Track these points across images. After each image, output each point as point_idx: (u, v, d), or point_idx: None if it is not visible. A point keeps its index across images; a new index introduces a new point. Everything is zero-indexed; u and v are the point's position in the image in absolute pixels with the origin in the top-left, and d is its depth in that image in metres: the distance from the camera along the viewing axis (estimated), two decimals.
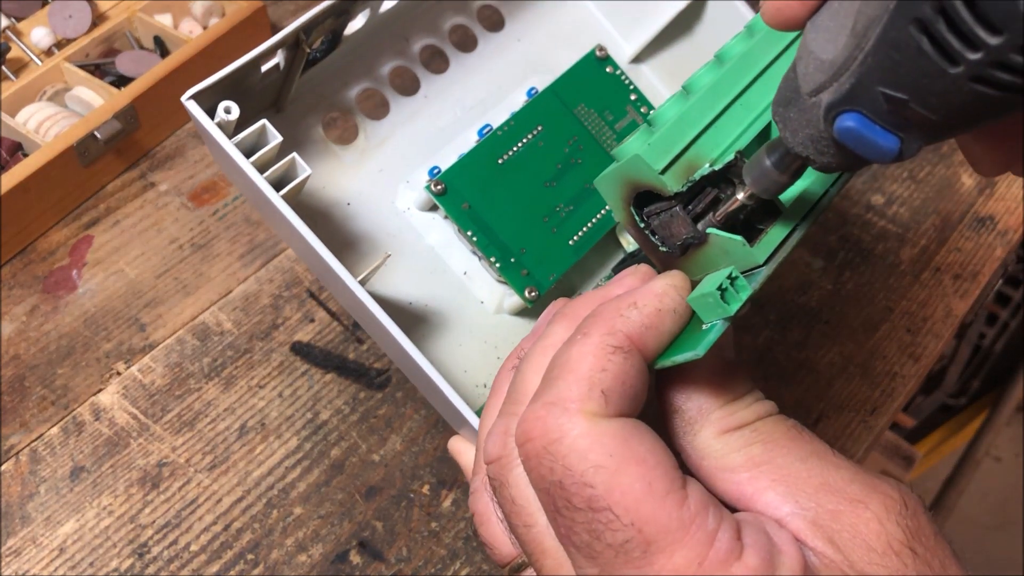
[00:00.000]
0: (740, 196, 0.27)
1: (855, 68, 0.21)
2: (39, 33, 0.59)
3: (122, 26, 0.62)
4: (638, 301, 0.26)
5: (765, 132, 0.29)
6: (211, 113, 0.34)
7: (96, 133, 0.55)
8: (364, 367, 0.51)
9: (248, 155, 0.34)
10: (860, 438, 0.52)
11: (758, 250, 0.28)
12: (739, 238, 0.27)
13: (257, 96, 0.38)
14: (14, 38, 0.59)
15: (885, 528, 0.24)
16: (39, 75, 0.58)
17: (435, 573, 0.46)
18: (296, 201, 0.38)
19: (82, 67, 0.59)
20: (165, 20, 0.62)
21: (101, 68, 0.60)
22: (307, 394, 0.50)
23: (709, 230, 0.28)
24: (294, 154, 0.35)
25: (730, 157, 0.28)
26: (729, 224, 0.28)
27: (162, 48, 0.62)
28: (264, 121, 0.35)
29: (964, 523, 1.29)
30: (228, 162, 0.34)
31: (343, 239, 0.40)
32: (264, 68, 0.36)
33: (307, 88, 0.41)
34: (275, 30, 0.66)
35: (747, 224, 0.29)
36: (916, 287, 0.58)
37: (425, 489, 0.48)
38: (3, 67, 0.58)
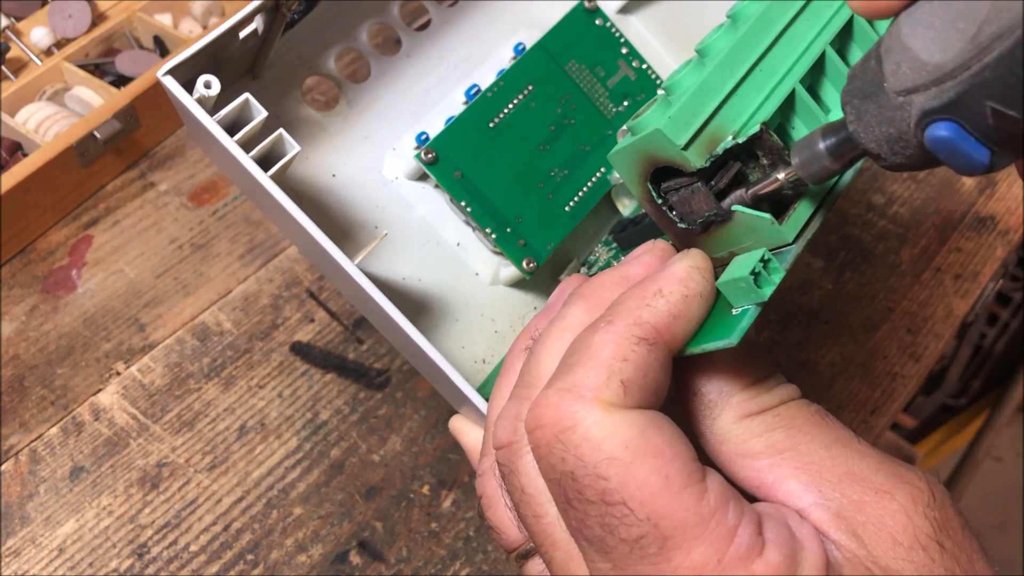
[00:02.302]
0: (781, 176, 0.25)
1: (966, 77, 0.20)
2: (39, 33, 0.59)
3: (122, 26, 0.62)
4: (663, 287, 0.25)
5: (789, 100, 0.28)
6: (189, 88, 0.31)
7: (96, 133, 0.55)
8: (364, 367, 0.51)
9: (231, 132, 0.31)
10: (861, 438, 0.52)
11: (787, 228, 0.26)
12: (768, 216, 0.26)
13: (233, 64, 0.35)
14: (14, 38, 0.59)
15: (912, 520, 0.23)
16: (39, 75, 0.58)
17: (435, 573, 0.45)
18: (282, 179, 0.35)
19: (82, 67, 0.59)
20: (165, 20, 0.62)
21: (101, 68, 0.60)
22: (307, 394, 0.50)
23: (735, 207, 0.26)
24: (281, 130, 0.33)
25: (755, 129, 0.26)
26: (757, 204, 0.27)
27: (162, 48, 0.62)
28: (247, 95, 0.32)
29: None
30: (209, 141, 0.32)
31: (331, 214, 0.38)
32: (242, 35, 0.33)
33: (284, 51, 0.38)
34: None
35: (771, 201, 0.28)
36: (917, 287, 0.58)
37: (425, 489, 0.48)
38: (3, 67, 0.58)
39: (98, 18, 0.61)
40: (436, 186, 0.39)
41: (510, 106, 0.40)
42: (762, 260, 0.24)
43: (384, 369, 0.51)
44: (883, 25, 0.31)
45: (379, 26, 0.41)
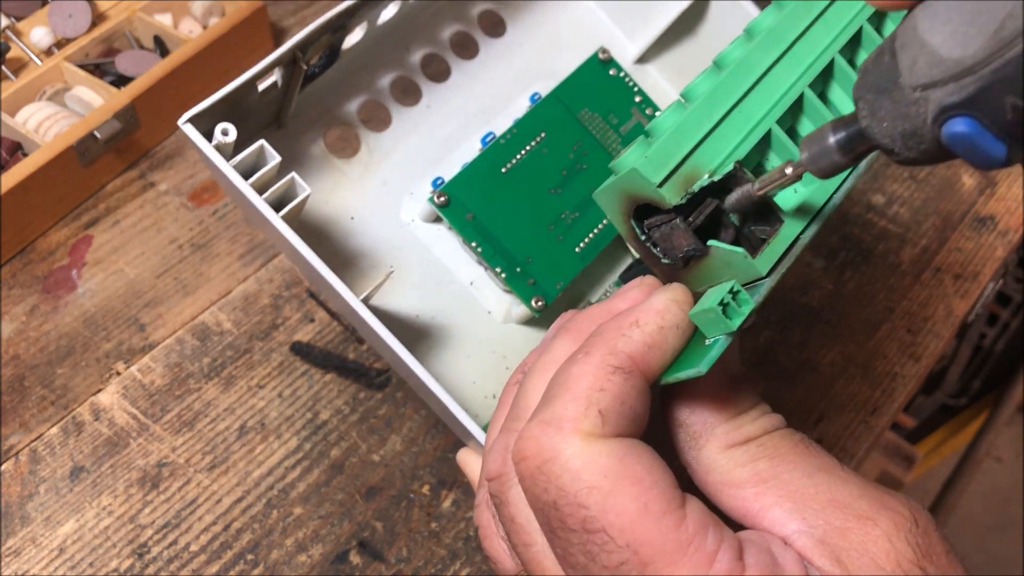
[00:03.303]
0: (789, 171, 0.26)
1: (986, 73, 0.20)
2: (39, 33, 0.59)
3: (122, 26, 0.62)
4: (640, 319, 0.26)
5: (765, 140, 0.29)
6: (209, 135, 0.33)
7: (96, 133, 0.55)
8: (364, 367, 0.51)
9: (247, 176, 0.33)
10: (861, 438, 0.52)
11: (760, 261, 0.27)
12: (740, 250, 0.27)
13: (257, 114, 0.37)
14: (14, 38, 0.59)
15: (895, 546, 0.23)
16: (39, 75, 0.58)
17: (435, 573, 0.45)
18: (299, 219, 0.37)
19: (82, 67, 0.59)
20: (165, 20, 0.62)
21: (101, 68, 0.60)
22: (307, 394, 0.50)
23: (710, 242, 0.27)
24: (293, 173, 0.35)
25: (729, 167, 0.27)
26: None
27: (162, 48, 0.62)
28: (262, 142, 0.34)
29: (964, 523, 1.29)
30: (228, 183, 0.34)
31: (347, 254, 0.40)
32: (262, 87, 0.36)
33: (308, 103, 0.40)
34: (275, 30, 0.66)
35: (749, 235, 0.28)
36: (917, 287, 0.58)
37: (425, 489, 0.48)
38: (3, 67, 0.58)
39: (98, 18, 0.61)
40: (449, 228, 0.40)
41: (523, 152, 0.41)
42: (731, 292, 0.25)
43: (384, 369, 0.51)
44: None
45: (401, 78, 0.42)
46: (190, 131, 0.33)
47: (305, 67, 0.35)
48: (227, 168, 0.33)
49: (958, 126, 0.21)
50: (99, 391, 0.50)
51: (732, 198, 0.28)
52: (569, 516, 0.23)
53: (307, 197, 0.35)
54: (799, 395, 0.53)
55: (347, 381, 0.51)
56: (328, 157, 0.41)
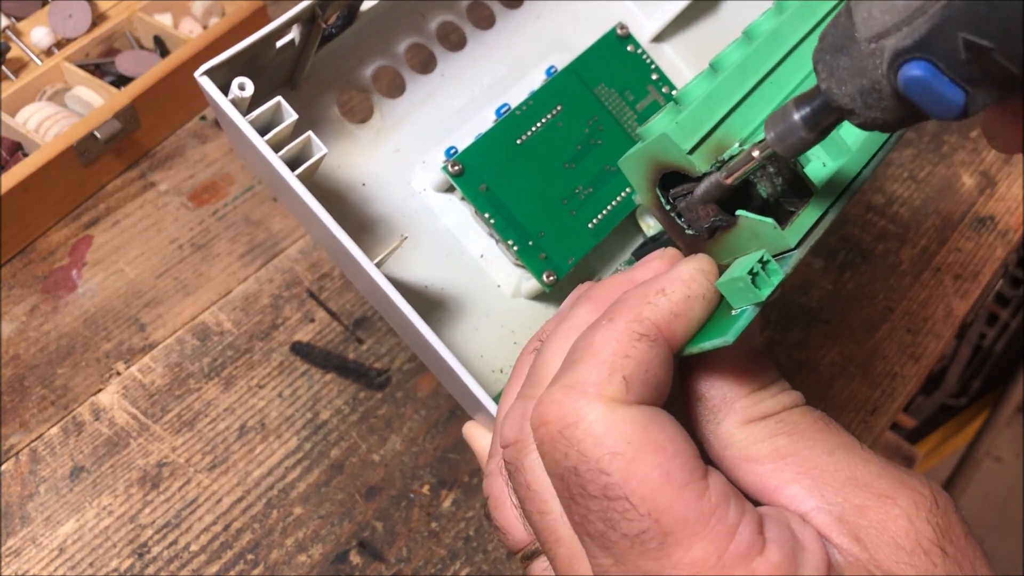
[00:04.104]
0: (756, 154, 0.25)
1: (936, 10, 0.20)
2: (39, 33, 0.59)
3: (122, 26, 0.62)
4: (666, 287, 0.26)
5: None
6: (225, 90, 0.33)
7: (96, 133, 0.55)
8: (364, 367, 0.51)
9: (263, 133, 0.33)
10: (861, 438, 0.52)
11: (789, 233, 0.26)
12: (770, 220, 0.26)
13: (271, 72, 0.37)
14: (14, 38, 0.59)
15: (914, 525, 0.23)
16: (39, 75, 0.58)
17: (435, 573, 0.45)
18: (311, 181, 0.37)
19: (82, 67, 0.59)
20: (165, 20, 0.62)
21: (101, 68, 0.60)
22: (307, 394, 0.50)
23: (739, 212, 0.27)
24: (310, 132, 0.34)
25: (760, 136, 0.27)
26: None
27: (162, 48, 0.62)
28: (279, 98, 0.34)
29: None
30: (242, 140, 0.33)
31: (358, 220, 0.39)
32: (279, 44, 0.35)
33: (322, 65, 0.40)
34: None
35: (778, 206, 0.28)
36: (916, 287, 0.58)
37: (425, 489, 0.48)
38: (3, 67, 0.58)
39: (98, 18, 0.61)
40: (462, 198, 0.40)
41: (538, 125, 0.41)
42: (761, 261, 0.25)
43: (384, 369, 0.51)
44: None
45: (416, 45, 0.42)
46: (206, 84, 0.32)
47: (324, 25, 0.35)
48: (243, 123, 0.32)
49: (912, 70, 0.20)
50: (99, 391, 0.50)
51: (700, 189, 0.27)
52: (590, 482, 0.23)
53: (323, 157, 0.34)
54: None
55: (347, 381, 0.51)
56: (341, 121, 0.40)
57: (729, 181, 0.26)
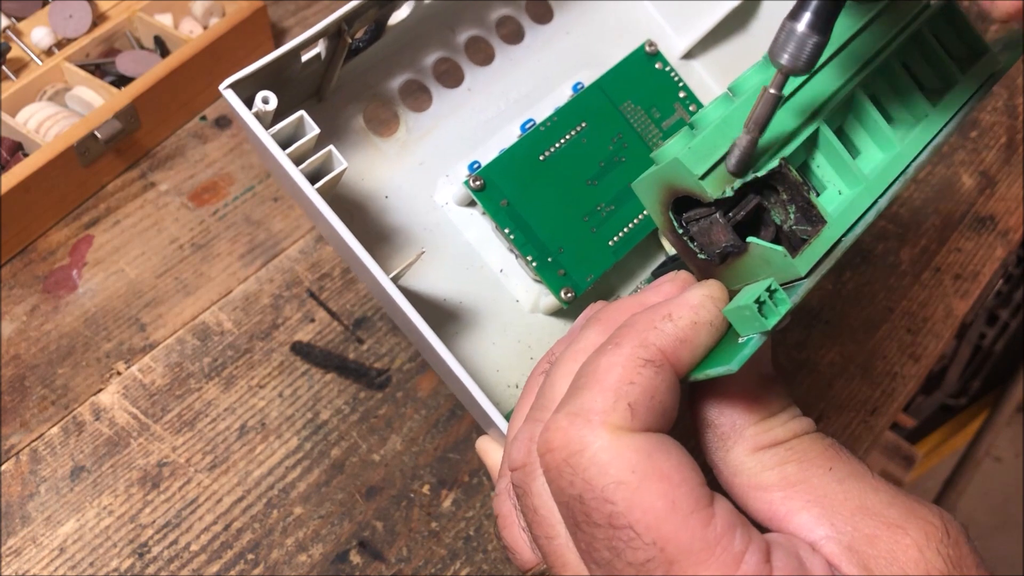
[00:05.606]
0: (773, 91, 0.25)
1: None
2: (39, 33, 0.59)
3: (122, 26, 0.62)
4: (673, 313, 0.25)
5: (812, 139, 0.28)
6: (249, 102, 0.33)
7: (96, 133, 0.55)
8: (364, 367, 0.51)
9: (285, 146, 0.33)
10: (861, 438, 0.52)
11: (800, 262, 0.26)
12: (781, 248, 0.26)
13: (297, 85, 0.37)
14: (14, 38, 0.59)
15: (924, 556, 0.23)
16: (39, 75, 0.58)
17: (435, 573, 0.46)
18: (333, 192, 0.37)
19: (82, 67, 0.59)
20: (165, 20, 0.62)
21: (101, 68, 0.60)
22: (307, 394, 0.50)
23: (750, 239, 0.27)
24: (331, 147, 0.34)
25: (774, 164, 0.27)
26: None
27: (162, 48, 0.62)
28: (302, 112, 0.34)
29: (964, 523, 1.29)
30: (265, 152, 0.34)
31: (379, 232, 0.39)
32: (305, 58, 0.35)
33: (350, 77, 0.40)
34: (275, 30, 0.66)
35: (790, 235, 0.28)
36: (916, 287, 0.58)
37: (425, 489, 0.48)
38: (3, 67, 0.58)
39: (98, 18, 0.61)
40: (483, 212, 0.40)
41: (562, 141, 0.41)
42: (768, 290, 0.25)
43: (384, 369, 0.51)
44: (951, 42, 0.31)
45: (444, 59, 0.42)
46: (231, 97, 0.32)
47: (350, 40, 0.35)
48: (265, 136, 0.33)
49: None
50: (100, 391, 0.50)
51: (733, 158, 0.27)
52: (595, 511, 0.23)
53: (343, 171, 0.34)
54: (799, 395, 0.53)
55: (347, 381, 0.51)
56: (366, 134, 0.40)
57: (755, 134, 0.26)
